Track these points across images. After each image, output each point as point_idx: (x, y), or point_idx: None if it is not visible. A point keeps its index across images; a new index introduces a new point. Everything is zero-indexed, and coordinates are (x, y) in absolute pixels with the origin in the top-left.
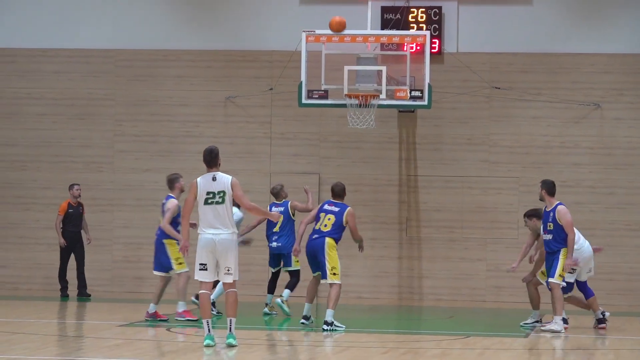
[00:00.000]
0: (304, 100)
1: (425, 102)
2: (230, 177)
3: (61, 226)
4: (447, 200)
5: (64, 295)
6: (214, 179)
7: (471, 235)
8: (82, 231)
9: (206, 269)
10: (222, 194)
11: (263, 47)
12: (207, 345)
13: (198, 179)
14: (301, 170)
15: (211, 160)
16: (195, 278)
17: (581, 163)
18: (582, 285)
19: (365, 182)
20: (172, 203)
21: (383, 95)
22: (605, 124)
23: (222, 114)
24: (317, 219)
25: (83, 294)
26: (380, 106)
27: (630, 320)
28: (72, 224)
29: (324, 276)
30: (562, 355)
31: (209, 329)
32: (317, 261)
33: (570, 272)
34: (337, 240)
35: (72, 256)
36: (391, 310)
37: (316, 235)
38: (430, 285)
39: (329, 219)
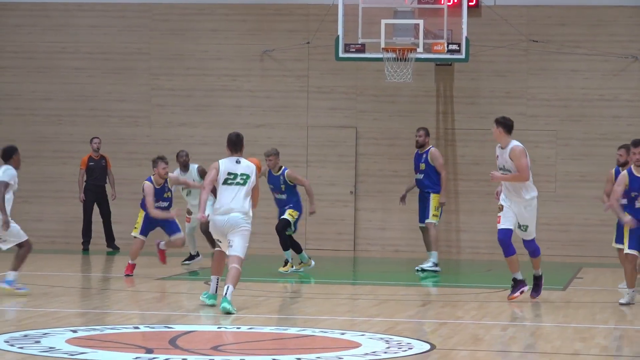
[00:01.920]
0: (340, 54)
1: (463, 56)
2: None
3: (84, 179)
4: (485, 154)
5: (85, 249)
6: (237, 162)
7: None
8: (109, 184)
9: (220, 241)
10: (244, 177)
11: (297, 0)
12: (211, 304)
13: (220, 160)
14: (338, 124)
15: (236, 144)
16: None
17: (620, 116)
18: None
19: (402, 135)
20: (148, 187)
21: (420, 49)
22: None
23: (259, 67)
24: None
25: (112, 246)
26: (418, 60)
27: None
28: (95, 178)
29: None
30: (599, 309)
31: (215, 288)
32: None
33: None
34: None
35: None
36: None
37: None
38: (467, 239)
39: None
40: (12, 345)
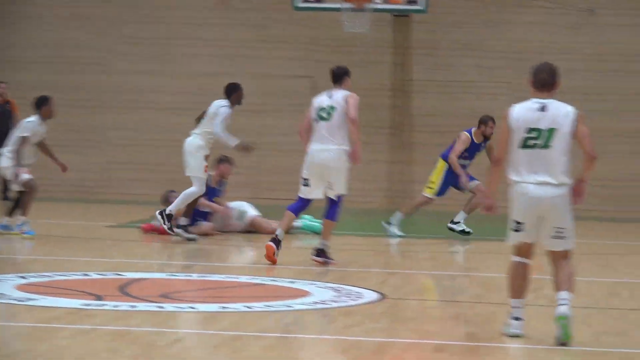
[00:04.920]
0: (298, 4)
1: (421, 7)
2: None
3: None
4: (441, 105)
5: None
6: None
7: None
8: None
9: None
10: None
11: None
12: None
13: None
14: (294, 74)
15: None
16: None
17: (576, 69)
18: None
19: (358, 86)
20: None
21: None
22: (600, 30)
23: (217, 16)
24: None
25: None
26: (376, 10)
27: (621, 225)
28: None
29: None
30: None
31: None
32: None
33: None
34: None
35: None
36: (382, 214)
37: None
38: (420, 190)
39: None
40: None
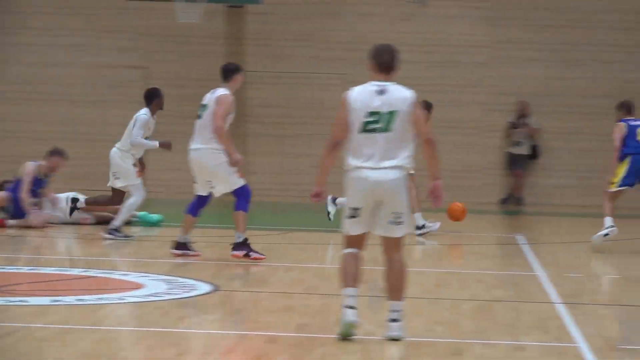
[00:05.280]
0: None
1: None
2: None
3: None
4: (276, 96)
5: None
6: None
7: (299, 132)
8: None
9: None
10: None
11: None
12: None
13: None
14: (127, 64)
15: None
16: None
17: (410, 60)
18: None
19: (192, 77)
20: None
21: None
22: (432, 22)
23: (49, 4)
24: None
25: None
26: (210, 1)
27: None
28: None
29: None
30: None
31: None
32: None
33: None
34: None
35: None
36: (216, 205)
37: None
38: (256, 181)
39: None
40: None
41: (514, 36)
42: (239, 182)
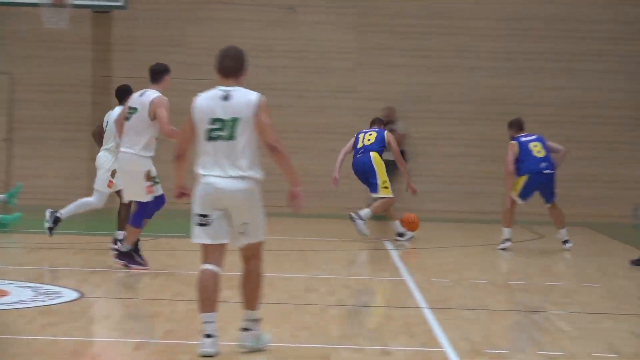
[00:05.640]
0: None
1: (120, 3)
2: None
3: None
4: None
5: None
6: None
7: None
8: None
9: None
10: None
11: None
12: None
13: None
14: None
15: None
16: None
17: (276, 66)
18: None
19: (59, 82)
20: None
21: None
22: (301, 28)
23: None
24: (355, 141)
25: None
26: (76, 6)
27: (320, 221)
28: None
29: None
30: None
31: None
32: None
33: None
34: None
35: None
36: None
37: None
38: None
39: (370, 135)
40: None
41: (381, 42)
42: (145, 198)
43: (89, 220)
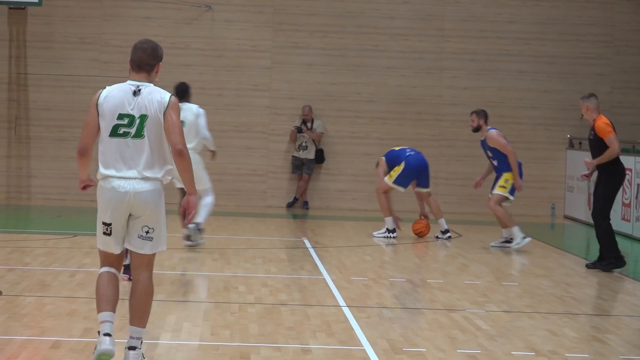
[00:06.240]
0: None
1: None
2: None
3: None
4: (57, 100)
5: None
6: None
7: (80, 135)
8: None
9: None
10: None
11: None
12: None
13: None
14: None
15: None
16: None
17: (191, 64)
18: None
19: None
20: None
21: None
22: (216, 26)
23: None
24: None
25: None
26: None
27: (237, 220)
28: None
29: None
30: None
31: None
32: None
33: None
34: None
35: None
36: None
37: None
38: (38, 185)
39: None
40: None
41: (296, 41)
42: None
43: (6, 219)
